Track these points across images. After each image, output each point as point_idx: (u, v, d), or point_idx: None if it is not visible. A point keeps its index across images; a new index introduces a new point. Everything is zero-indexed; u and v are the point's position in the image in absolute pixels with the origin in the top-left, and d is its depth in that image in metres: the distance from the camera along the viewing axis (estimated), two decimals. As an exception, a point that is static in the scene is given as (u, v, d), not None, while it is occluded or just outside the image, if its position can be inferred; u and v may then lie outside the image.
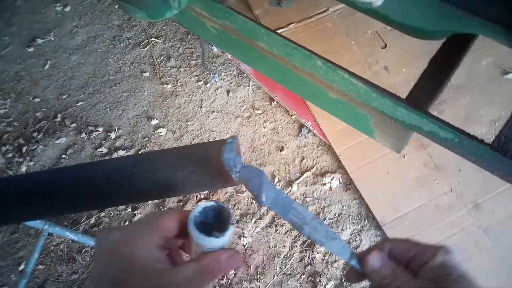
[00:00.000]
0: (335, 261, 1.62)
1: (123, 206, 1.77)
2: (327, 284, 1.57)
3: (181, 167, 0.51)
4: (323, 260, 1.62)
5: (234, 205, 1.74)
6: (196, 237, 0.45)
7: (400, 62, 1.88)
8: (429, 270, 0.44)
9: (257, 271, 1.62)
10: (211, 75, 2.00)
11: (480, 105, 1.75)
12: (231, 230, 0.47)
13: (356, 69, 1.83)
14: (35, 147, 1.89)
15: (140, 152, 1.87)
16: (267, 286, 1.59)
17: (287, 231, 1.68)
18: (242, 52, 1.25)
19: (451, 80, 1.06)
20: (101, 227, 1.73)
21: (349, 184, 1.74)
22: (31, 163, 1.86)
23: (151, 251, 0.43)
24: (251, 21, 1.10)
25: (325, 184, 1.75)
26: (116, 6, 2.30)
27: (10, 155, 1.89)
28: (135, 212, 1.75)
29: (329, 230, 0.49)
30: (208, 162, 0.50)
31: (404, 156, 1.71)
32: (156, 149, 1.88)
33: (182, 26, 1.94)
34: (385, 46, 1.93)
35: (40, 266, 1.66)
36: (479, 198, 1.61)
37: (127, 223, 1.73)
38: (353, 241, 1.65)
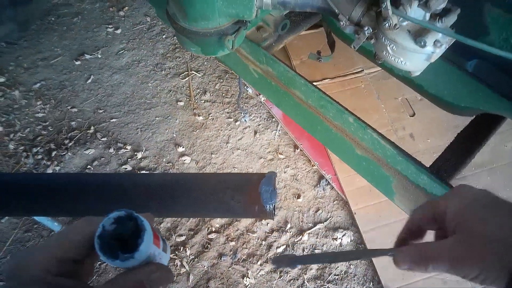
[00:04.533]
0: (334, 318, 1.59)
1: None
2: None
3: (222, 191, 0.55)
4: (322, 315, 1.60)
5: (243, 243, 1.75)
6: (102, 258, 0.41)
7: (426, 131, 1.92)
8: (450, 223, 0.44)
9: (254, 314, 1.61)
10: (242, 114, 2.08)
11: (500, 188, 1.76)
12: (146, 248, 0.41)
13: (382, 132, 1.88)
14: (64, 153, 1.97)
15: (161, 175, 1.92)
16: (262, 331, 1.57)
17: (291, 279, 1.67)
18: (278, 97, 1.32)
19: (474, 157, 1.09)
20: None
21: (360, 243, 1.74)
22: (57, 168, 1.93)
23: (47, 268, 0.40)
24: (291, 70, 1.17)
25: (336, 239, 1.75)
26: (164, 36, 2.44)
27: (39, 157, 1.97)
28: (145, 233, 1.77)
29: (366, 251, 0.53)
30: (246, 191, 0.54)
31: (419, 224, 1.71)
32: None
33: (224, 65, 2.04)
34: (414, 114, 1.98)
35: (45, 270, 1.68)
36: (490, 280, 1.58)
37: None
38: (355, 301, 1.63)
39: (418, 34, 0.73)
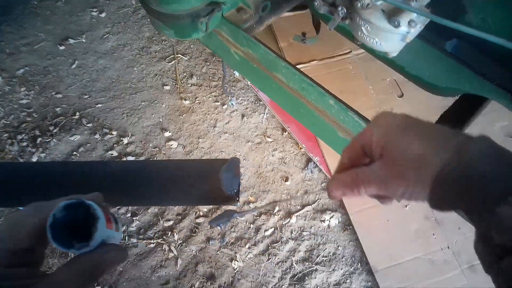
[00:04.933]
0: (322, 300, 1.61)
1: (123, 210, 1.80)
2: (311, 321, 1.56)
3: (182, 179, 0.53)
4: (310, 296, 1.61)
5: (231, 227, 1.75)
6: (56, 247, 0.41)
7: (415, 113, 1.88)
8: (375, 149, 0.46)
9: (242, 297, 1.62)
10: (229, 97, 2.06)
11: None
12: (100, 235, 0.42)
13: (369, 113, 1.86)
14: (49, 140, 1.95)
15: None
16: (250, 313, 1.59)
17: (279, 261, 1.68)
18: (260, 80, 1.30)
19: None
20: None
21: (347, 225, 1.75)
22: (42, 155, 1.91)
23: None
24: (272, 53, 1.15)
25: (324, 221, 1.75)
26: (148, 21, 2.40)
27: (24, 144, 1.95)
28: (134, 218, 1.77)
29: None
30: (207, 178, 0.53)
31: (406, 206, 1.71)
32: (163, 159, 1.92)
33: (208, 48, 2.01)
34: (402, 95, 1.97)
35: (33, 257, 1.68)
36: (476, 260, 1.59)
37: (123, 227, 1.75)
38: (343, 282, 1.64)
39: (392, 14, 0.71)
